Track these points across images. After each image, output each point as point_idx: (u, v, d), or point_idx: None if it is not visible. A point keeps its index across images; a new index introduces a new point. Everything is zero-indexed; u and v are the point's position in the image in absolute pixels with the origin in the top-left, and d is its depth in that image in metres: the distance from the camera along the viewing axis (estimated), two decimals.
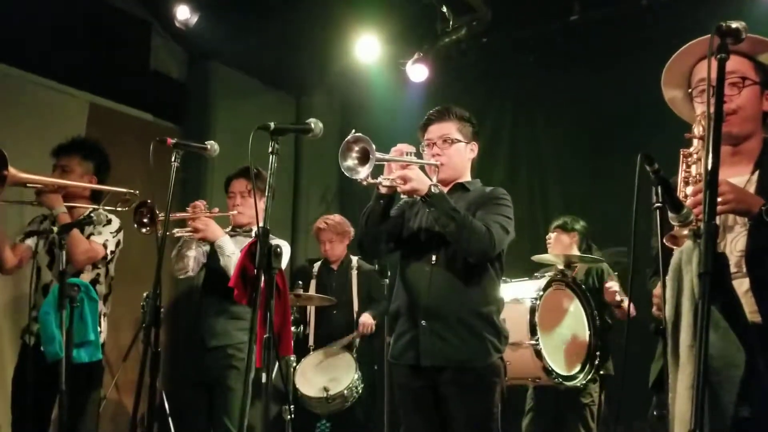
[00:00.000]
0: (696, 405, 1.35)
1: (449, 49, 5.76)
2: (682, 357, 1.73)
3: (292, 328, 4.62)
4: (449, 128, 2.95)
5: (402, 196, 2.81)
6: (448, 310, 2.76)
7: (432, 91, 5.88)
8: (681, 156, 2.09)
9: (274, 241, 3.72)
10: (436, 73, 5.85)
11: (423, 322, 2.77)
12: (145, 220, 3.41)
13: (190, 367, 4.04)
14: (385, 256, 3.12)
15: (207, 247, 3.87)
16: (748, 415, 1.74)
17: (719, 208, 1.81)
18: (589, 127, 5.42)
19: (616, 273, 4.45)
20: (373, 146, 2.52)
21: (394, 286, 3.05)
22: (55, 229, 3.12)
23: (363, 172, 2.54)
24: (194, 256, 3.88)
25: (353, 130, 2.63)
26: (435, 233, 2.81)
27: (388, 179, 2.71)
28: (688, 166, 2.07)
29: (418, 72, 5.84)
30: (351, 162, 2.58)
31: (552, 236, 4.68)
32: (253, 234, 3.84)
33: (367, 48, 5.90)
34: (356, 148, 2.58)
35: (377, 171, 2.71)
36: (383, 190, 2.78)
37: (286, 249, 3.83)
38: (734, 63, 2.10)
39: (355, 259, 5.23)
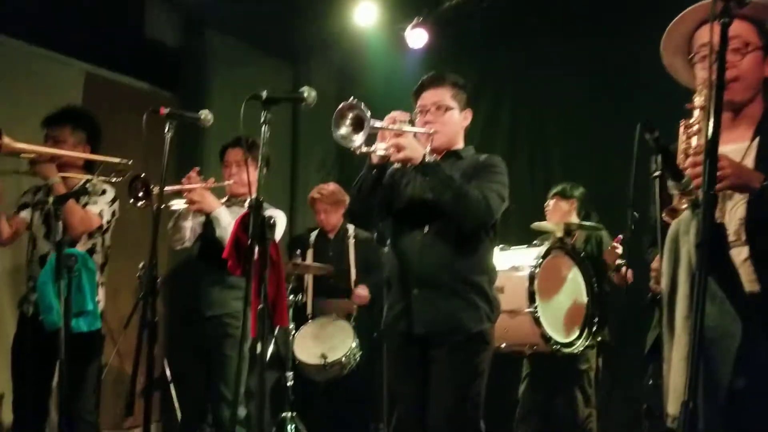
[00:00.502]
0: (690, 377, 1.34)
1: (449, 14, 5.66)
2: (677, 328, 1.72)
3: (290, 297, 4.64)
4: (443, 95, 2.90)
5: (396, 165, 2.77)
6: (440, 278, 2.74)
7: (431, 56, 5.80)
8: (681, 127, 2.06)
9: (269, 211, 3.73)
10: (436, 39, 5.76)
11: (415, 291, 2.76)
12: (140, 194, 3.40)
13: (188, 336, 4.08)
14: (378, 225, 3.10)
15: (203, 218, 3.87)
16: (744, 387, 1.74)
17: (718, 185, 1.78)
18: (592, 93, 5.34)
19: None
20: (368, 114, 2.47)
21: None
22: (51, 199, 3.11)
23: (357, 141, 2.50)
24: (191, 227, 3.89)
25: (351, 98, 2.57)
26: (428, 202, 2.77)
27: (382, 148, 2.67)
28: (689, 138, 2.03)
29: (417, 37, 5.75)
30: (344, 130, 2.53)
31: (550, 203, 4.65)
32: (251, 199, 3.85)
33: (365, 13, 5.80)
34: (350, 116, 2.52)
35: (370, 139, 2.68)
36: (376, 160, 2.74)
37: (281, 219, 3.84)
38: (738, 28, 2.05)
39: (351, 227, 5.22)
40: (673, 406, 1.71)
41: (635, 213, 2.20)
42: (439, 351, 2.73)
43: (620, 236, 4.26)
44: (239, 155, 3.88)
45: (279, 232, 3.77)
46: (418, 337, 2.76)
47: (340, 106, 2.54)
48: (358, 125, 2.50)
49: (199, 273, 3.96)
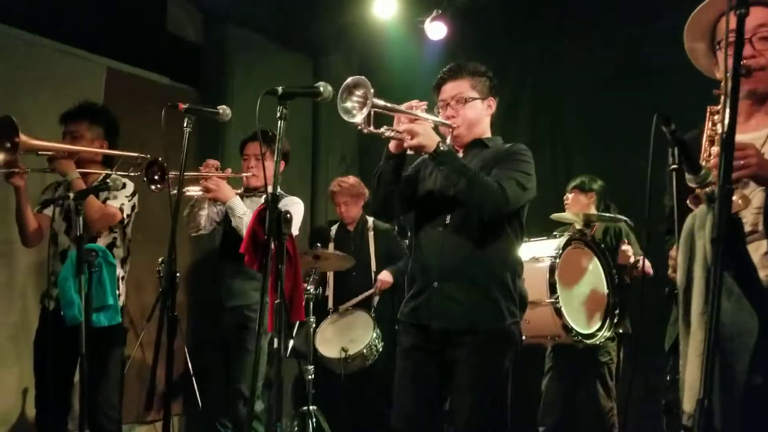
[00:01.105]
0: (705, 374, 1.32)
1: (468, 6, 5.64)
2: (693, 324, 1.69)
3: (311, 290, 4.65)
4: (462, 86, 2.85)
5: (409, 151, 2.70)
6: (461, 271, 2.69)
7: (451, 49, 5.77)
8: (707, 113, 2.02)
9: (286, 199, 3.78)
10: (455, 31, 5.74)
11: (435, 284, 2.71)
12: (156, 177, 3.42)
13: (210, 328, 4.12)
14: (400, 217, 3.05)
15: (221, 206, 3.90)
16: (761, 383, 1.71)
17: (740, 172, 1.74)
18: (612, 84, 5.28)
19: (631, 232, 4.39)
20: (372, 90, 2.43)
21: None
22: (72, 195, 3.14)
23: (358, 117, 2.45)
24: (206, 215, 3.93)
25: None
26: (448, 194, 2.72)
27: (393, 130, 2.63)
28: (714, 124, 1.98)
29: (436, 30, 5.73)
30: (349, 104, 2.49)
31: (569, 197, 4.62)
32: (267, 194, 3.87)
33: (384, 6, 5.79)
34: (357, 93, 2.49)
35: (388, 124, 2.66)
36: (392, 148, 2.71)
37: (299, 207, 3.86)
38: (765, 15, 2.02)
39: (370, 220, 5.24)
40: (688, 403, 1.68)
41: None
42: (460, 352, 2.66)
43: (625, 240, 4.27)
44: (258, 149, 3.90)
45: (297, 219, 3.79)
46: (435, 332, 2.71)
47: (347, 81, 2.50)
48: (365, 103, 2.46)
49: (220, 264, 3.99)
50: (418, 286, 2.82)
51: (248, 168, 3.97)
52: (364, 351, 4.68)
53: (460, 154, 2.83)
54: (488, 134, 2.95)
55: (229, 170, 3.85)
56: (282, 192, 3.91)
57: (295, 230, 3.90)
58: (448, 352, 2.70)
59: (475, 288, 2.69)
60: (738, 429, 1.66)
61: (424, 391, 2.73)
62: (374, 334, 4.73)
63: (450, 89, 2.87)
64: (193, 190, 3.81)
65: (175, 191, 3.54)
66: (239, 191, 3.89)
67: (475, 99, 2.86)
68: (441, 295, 2.70)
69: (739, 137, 1.97)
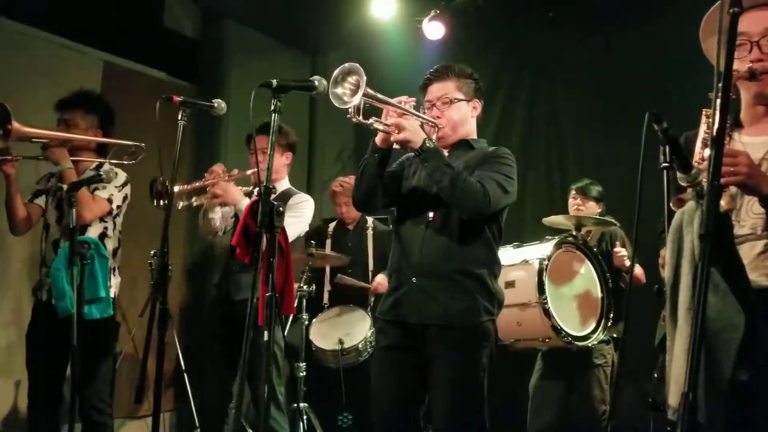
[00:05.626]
0: (690, 368, 1.33)
1: (466, 6, 5.65)
2: (679, 319, 1.70)
3: (304, 287, 4.65)
4: (448, 87, 2.87)
5: (395, 146, 2.72)
6: (439, 268, 2.71)
7: (449, 49, 5.79)
8: (703, 116, 2.02)
9: (298, 196, 3.81)
10: (453, 31, 5.75)
11: (414, 280, 2.73)
12: (161, 194, 3.39)
13: (215, 320, 4.11)
14: (382, 212, 3.06)
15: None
16: (747, 379, 1.71)
17: (728, 179, 1.74)
18: (609, 86, 5.30)
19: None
20: (365, 78, 2.42)
21: None
22: (65, 186, 3.13)
23: (350, 103, 2.45)
24: (220, 217, 3.92)
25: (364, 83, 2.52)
26: (432, 192, 2.74)
27: (381, 123, 2.64)
28: (709, 128, 1.98)
29: (434, 30, 5.75)
30: (340, 90, 2.48)
31: (584, 205, 4.59)
32: (279, 191, 3.90)
33: (383, 5, 5.80)
34: (350, 80, 2.48)
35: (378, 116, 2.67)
36: (378, 142, 2.72)
37: (309, 204, 3.93)
38: None
39: (370, 220, 5.24)
40: (674, 398, 1.69)
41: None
42: (437, 348, 2.66)
43: (617, 242, 4.29)
44: (266, 142, 3.89)
45: (308, 216, 3.92)
46: (412, 327, 2.71)
47: (341, 67, 2.49)
48: (356, 90, 2.45)
49: (229, 259, 3.97)
50: (396, 281, 2.83)
51: (254, 163, 3.94)
52: (359, 345, 4.69)
53: (445, 153, 2.84)
54: (474, 136, 2.97)
55: (236, 171, 3.83)
56: (293, 188, 4.00)
57: (304, 227, 3.97)
58: (425, 349, 2.70)
59: (453, 284, 2.70)
60: (722, 424, 1.67)
61: (402, 390, 2.73)
62: (370, 331, 4.73)
63: (436, 90, 2.89)
64: (201, 199, 3.79)
65: (183, 203, 3.55)
66: (250, 188, 3.87)
67: (461, 100, 2.88)
68: (419, 290, 2.72)
69: (746, 140, 1.98)
